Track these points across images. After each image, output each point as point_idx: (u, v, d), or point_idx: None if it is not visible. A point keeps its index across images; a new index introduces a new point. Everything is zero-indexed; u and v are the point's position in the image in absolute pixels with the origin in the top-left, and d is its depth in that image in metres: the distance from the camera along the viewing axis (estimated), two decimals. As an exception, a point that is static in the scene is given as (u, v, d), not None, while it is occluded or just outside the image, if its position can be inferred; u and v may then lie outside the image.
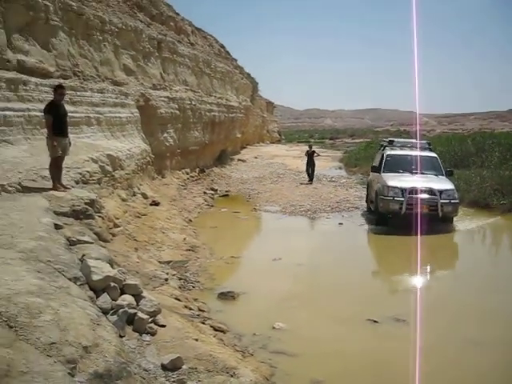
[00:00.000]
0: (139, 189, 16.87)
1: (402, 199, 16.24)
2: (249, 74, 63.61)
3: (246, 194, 25.16)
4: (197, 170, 29.90)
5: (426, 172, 17.87)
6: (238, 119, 43.07)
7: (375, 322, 8.96)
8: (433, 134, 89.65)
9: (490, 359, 7.62)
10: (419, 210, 15.54)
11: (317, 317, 9.19)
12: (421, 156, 18.46)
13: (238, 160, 41.20)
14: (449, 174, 18.31)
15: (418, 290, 11.31)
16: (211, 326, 8.03)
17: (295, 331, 8.45)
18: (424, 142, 20.73)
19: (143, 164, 18.38)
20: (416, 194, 16.23)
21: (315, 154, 29.27)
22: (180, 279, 10.77)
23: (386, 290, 11.85)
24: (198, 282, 10.95)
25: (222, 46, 52.16)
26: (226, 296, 10.11)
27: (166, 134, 24.45)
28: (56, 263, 5.99)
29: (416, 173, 17.65)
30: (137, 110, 20.81)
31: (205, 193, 24.42)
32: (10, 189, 9.48)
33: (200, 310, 8.92)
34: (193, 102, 28.89)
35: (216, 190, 25.89)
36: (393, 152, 19.26)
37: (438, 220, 16.18)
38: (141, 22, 25.53)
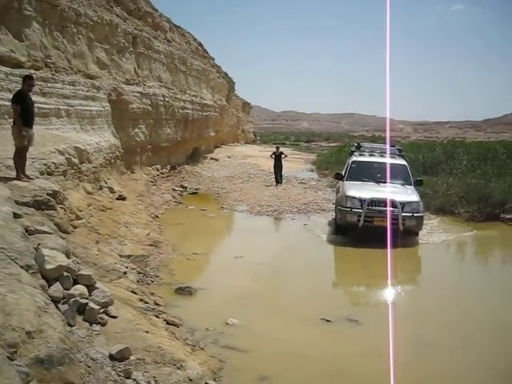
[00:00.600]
0: (106, 183, 16.86)
1: (361, 211, 15.09)
2: (226, 74, 63.77)
3: (215, 192, 25.25)
4: (168, 166, 29.90)
5: (393, 181, 16.43)
6: (212, 118, 43.12)
7: (328, 321, 9.13)
8: (407, 140, 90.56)
9: (441, 360, 7.82)
10: (379, 223, 14.79)
11: (271, 315, 9.34)
12: (388, 164, 17.15)
13: (211, 159, 41.20)
14: (418, 184, 17.22)
15: (374, 294, 11.57)
16: (164, 320, 8.13)
17: (248, 328, 8.58)
18: (395, 147, 19.52)
19: (112, 158, 18.37)
20: (376, 205, 15.16)
21: (283, 156, 28.92)
22: (139, 273, 10.85)
23: (342, 292, 12.05)
24: (158, 276, 11.04)
25: (200, 45, 52.20)
26: (184, 291, 10.22)
27: (137, 130, 24.45)
28: (9, 251, 6.05)
29: (382, 182, 16.51)
30: (108, 104, 20.79)
31: (174, 190, 24.47)
32: (-29, 177, 9.49)
33: (156, 304, 9.01)
34: (166, 99, 28.90)
35: (185, 187, 25.91)
36: (358, 158, 18.16)
37: (400, 234, 14.65)
38: (117, 16, 25.52)
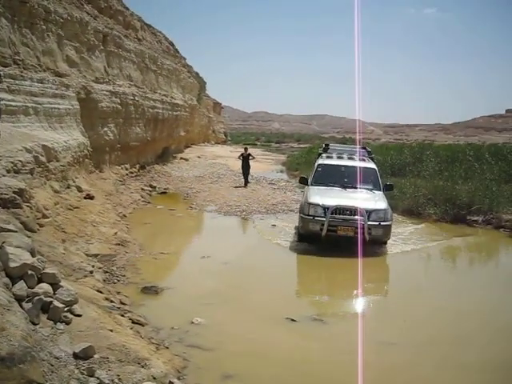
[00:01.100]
0: (74, 181, 16.77)
1: (324, 219, 14.16)
2: (197, 74, 63.80)
3: (184, 192, 25.24)
4: (137, 166, 29.79)
5: (361, 186, 15.75)
6: (182, 117, 43.03)
7: (293, 320, 9.23)
8: (377, 142, 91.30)
9: (403, 358, 7.98)
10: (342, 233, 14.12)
11: (236, 314, 9.42)
12: (357, 167, 16.36)
13: (181, 158, 41.17)
14: (388, 189, 16.34)
15: (339, 294, 11.72)
16: (130, 319, 8.15)
17: (213, 327, 8.64)
18: (364, 150, 18.53)
19: (80, 157, 18.28)
20: (341, 213, 14.23)
21: (250, 157, 28.87)
22: (106, 272, 10.85)
23: (307, 291, 12.13)
24: (124, 276, 11.04)
25: (172, 44, 52.12)
26: (150, 290, 10.25)
27: (106, 128, 24.31)
28: (-27, 250, 6.05)
29: (349, 187, 15.75)
30: (77, 103, 20.66)
31: (142, 189, 24.39)
32: None
33: (121, 303, 9.02)
34: (136, 98, 28.78)
35: (154, 187, 25.84)
36: (325, 161, 17.16)
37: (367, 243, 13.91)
38: (87, 13, 25.36)
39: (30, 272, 6.52)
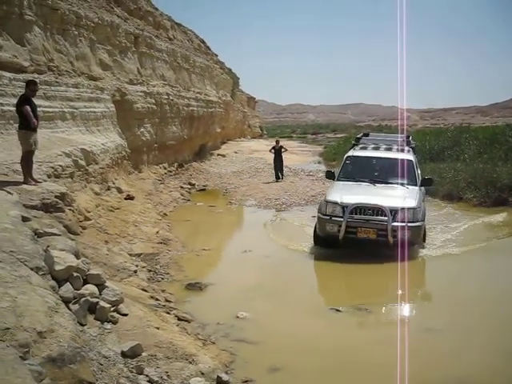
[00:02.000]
0: (114, 183, 16.99)
1: (342, 220, 12.39)
2: (230, 69, 63.91)
3: (223, 188, 25.33)
4: (175, 164, 30.02)
5: (394, 181, 13.84)
6: (217, 114, 43.15)
7: (338, 310, 9.21)
8: (414, 128, 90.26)
9: (449, 345, 7.89)
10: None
11: (280, 306, 9.41)
12: (390, 159, 14.61)
13: (218, 155, 41.29)
14: (425, 184, 14.40)
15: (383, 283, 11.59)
16: (176, 316, 8.22)
17: (258, 320, 8.64)
18: (403, 137, 16.38)
19: (118, 158, 18.49)
20: (362, 213, 12.42)
21: (283, 150, 28.01)
22: (149, 271, 10.95)
23: (350, 282, 11.74)
24: (168, 273, 11.11)
25: (203, 41, 52.29)
26: (194, 287, 10.30)
27: (142, 129, 24.55)
28: (19, 254, 6.15)
29: (380, 182, 13.89)
30: (113, 105, 20.89)
31: (182, 187, 24.53)
32: (-20, 183, 9.61)
33: (166, 301, 9.09)
34: (170, 97, 28.97)
35: (193, 184, 25.97)
36: (354, 153, 15.22)
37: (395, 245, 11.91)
38: (118, 16, 25.63)
39: (75, 274, 6.62)
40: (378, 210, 12.27)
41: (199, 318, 8.64)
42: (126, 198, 16.79)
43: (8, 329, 4.35)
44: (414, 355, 7.07)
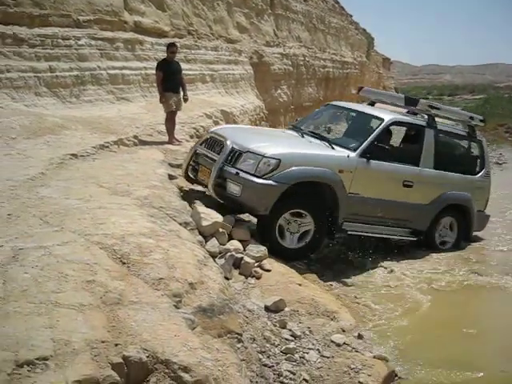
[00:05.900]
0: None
1: None
2: (364, 30, 62.51)
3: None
4: (311, 126, 29.94)
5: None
6: (352, 75, 42.56)
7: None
8: None
9: None
10: None
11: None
12: None
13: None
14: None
15: None
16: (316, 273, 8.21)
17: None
18: None
19: (257, 120, 18.69)
20: None
21: None
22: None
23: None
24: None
25: (337, 2, 51.35)
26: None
27: (279, 91, 24.69)
28: (168, 209, 6.39)
29: None
30: (250, 67, 21.10)
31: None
32: (127, 142, 10.00)
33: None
34: (306, 59, 28.88)
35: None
36: None
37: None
38: (253, -20, 25.72)
39: (220, 230, 6.78)
40: None
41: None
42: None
43: (162, 279, 4.52)
44: None
